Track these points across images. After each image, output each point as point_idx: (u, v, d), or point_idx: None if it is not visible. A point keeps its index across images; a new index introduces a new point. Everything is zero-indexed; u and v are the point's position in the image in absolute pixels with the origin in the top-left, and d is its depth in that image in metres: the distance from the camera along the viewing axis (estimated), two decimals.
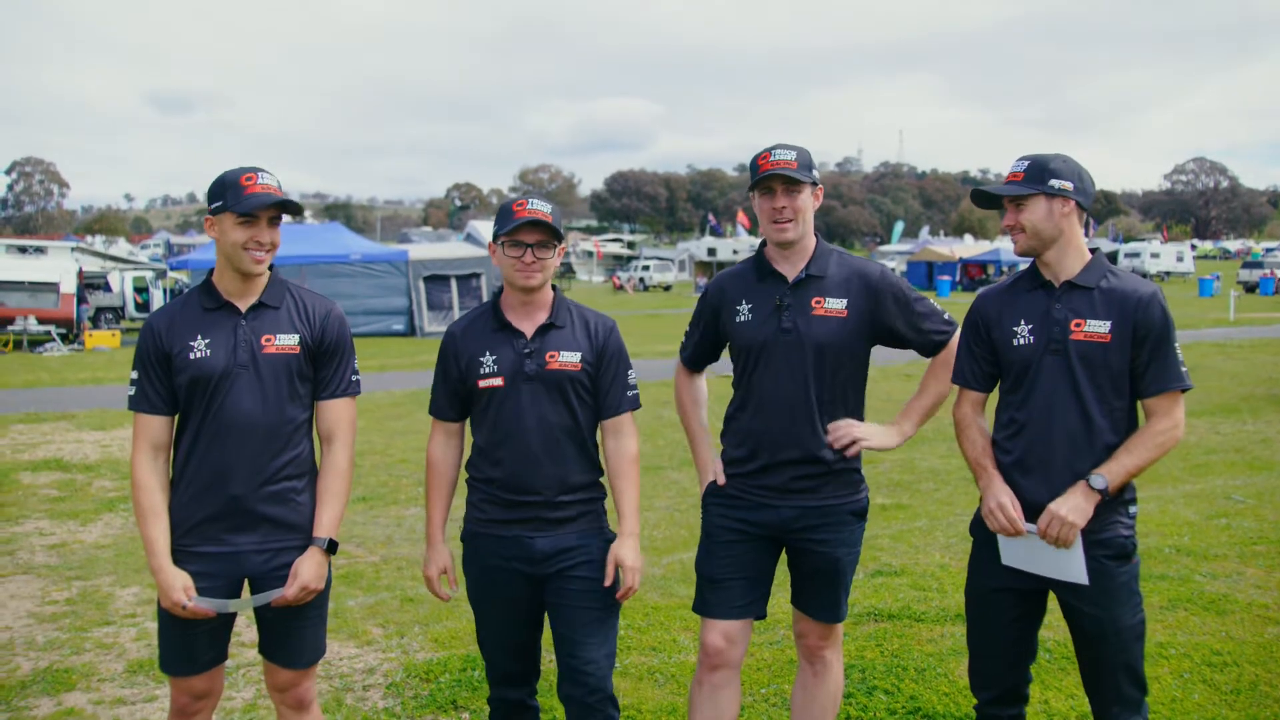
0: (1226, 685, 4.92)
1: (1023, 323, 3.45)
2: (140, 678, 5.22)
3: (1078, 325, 3.35)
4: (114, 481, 10.07)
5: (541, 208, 3.46)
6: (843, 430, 3.63)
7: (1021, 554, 3.42)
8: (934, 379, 3.79)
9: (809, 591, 3.80)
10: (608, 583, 3.52)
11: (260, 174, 3.30)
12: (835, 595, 3.77)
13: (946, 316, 3.78)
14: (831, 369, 3.64)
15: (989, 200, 3.54)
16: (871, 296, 3.67)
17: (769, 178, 3.59)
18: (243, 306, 3.37)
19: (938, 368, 3.78)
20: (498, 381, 3.50)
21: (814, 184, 3.65)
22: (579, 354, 3.54)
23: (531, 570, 3.52)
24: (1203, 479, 9.50)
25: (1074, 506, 3.28)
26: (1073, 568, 3.32)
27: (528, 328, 3.54)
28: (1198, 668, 5.13)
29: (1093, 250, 3.45)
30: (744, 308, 3.72)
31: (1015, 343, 3.46)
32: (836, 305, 3.63)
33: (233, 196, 3.26)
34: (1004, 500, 3.40)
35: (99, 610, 6.28)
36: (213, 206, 3.30)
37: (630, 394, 3.67)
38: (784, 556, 3.83)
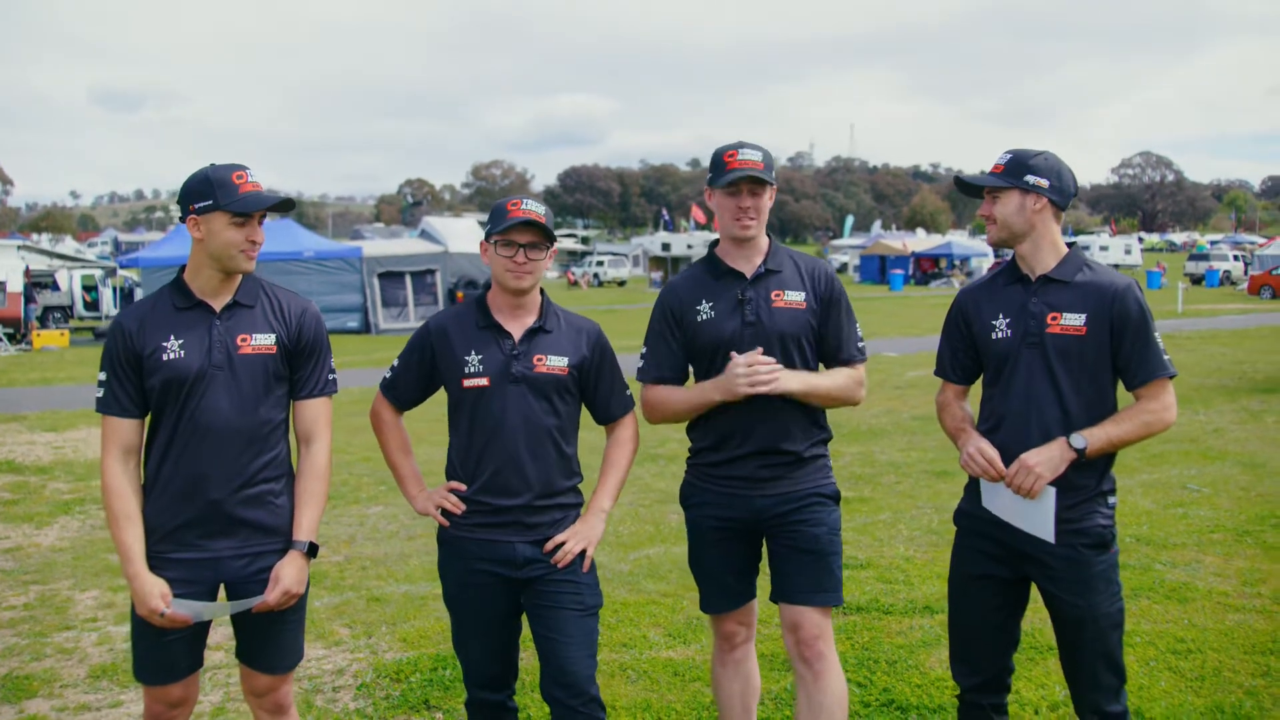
0: (1191, 672, 5.01)
1: (1001, 316, 3.50)
2: (104, 683, 5.13)
3: (1054, 318, 3.40)
4: (68, 483, 9.89)
5: (535, 208, 3.43)
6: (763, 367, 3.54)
7: (998, 502, 3.47)
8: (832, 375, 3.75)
9: (793, 573, 3.68)
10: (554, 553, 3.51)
11: (248, 171, 3.24)
12: (818, 575, 3.66)
13: (862, 345, 3.79)
14: (797, 359, 3.65)
15: (969, 188, 3.59)
16: (825, 294, 3.72)
17: (741, 179, 3.58)
18: (217, 306, 3.29)
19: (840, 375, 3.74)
20: (483, 381, 3.46)
21: (772, 184, 3.69)
22: (566, 359, 3.53)
23: (511, 574, 3.50)
24: (1159, 469, 9.65)
25: (1046, 459, 3.33)
26: (1043, 525, 3.35)
27: (515, 329, 3.52)
28: (1163, 655, 5.20)
29: (1070, 245, 3.49)
30: (704, 306, 3.70)
31: (994, 336, 3.50)
32: (796, 297, 3.67)
33: (225, 195, 3.17)
34: (981, 444, 3.45)
35: (58, 615, 6.17)
36: (199, 205, 3.18)
37: (625, 395, 3.71)
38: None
